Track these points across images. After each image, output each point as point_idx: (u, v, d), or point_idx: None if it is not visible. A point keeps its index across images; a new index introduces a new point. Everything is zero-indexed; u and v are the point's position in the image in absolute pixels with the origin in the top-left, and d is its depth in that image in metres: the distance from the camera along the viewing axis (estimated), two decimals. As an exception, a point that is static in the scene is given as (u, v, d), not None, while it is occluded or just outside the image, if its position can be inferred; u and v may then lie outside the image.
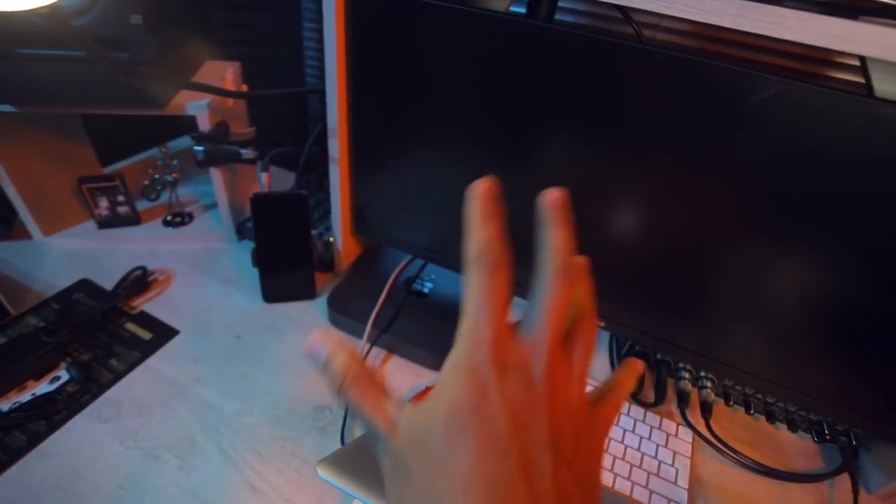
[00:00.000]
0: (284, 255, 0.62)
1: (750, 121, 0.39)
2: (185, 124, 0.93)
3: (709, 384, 0.58)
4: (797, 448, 0.56)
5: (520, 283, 0.22)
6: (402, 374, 0.57)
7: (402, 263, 0.66)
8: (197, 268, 0.68)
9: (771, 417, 0.57)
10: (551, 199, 0.21)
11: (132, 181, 0.73)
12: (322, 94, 0.55)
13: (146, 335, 0.58)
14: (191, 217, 0.76)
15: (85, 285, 0.63)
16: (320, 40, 0.90)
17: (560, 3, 0.66)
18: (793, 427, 0.57)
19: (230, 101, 0.66)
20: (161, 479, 0.46)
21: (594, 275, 0.23)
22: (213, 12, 0.72)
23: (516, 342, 0.20)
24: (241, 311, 0.63)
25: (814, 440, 0.56)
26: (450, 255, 0.60)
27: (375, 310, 0.59)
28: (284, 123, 0.95)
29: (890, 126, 0.35)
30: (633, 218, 0.48)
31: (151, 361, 0.56)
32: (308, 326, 0.62)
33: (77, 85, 0.55)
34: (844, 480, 0.52)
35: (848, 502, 0.49)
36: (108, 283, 0.63)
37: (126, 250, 0.69)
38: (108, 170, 0.79)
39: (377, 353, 0.59)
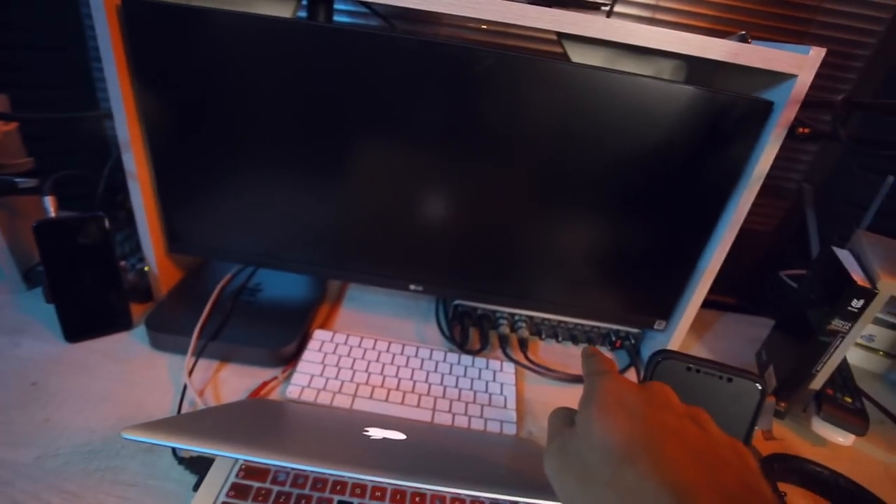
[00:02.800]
0: (87, 285, 0.57)
1: (484, 89, 0.49)
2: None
3: (523, 325, 0.67)
4: (598, 360, 0.68)
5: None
6: (238, 379, 0.56)
7: (229, 275, 0.65)
8: (-29, 325, 0.58)
9: (575, 340, 0.69)
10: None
11: None
12: (109, 116, 0.54)
13: None
14: (-41, 274, 0.65)
15: None
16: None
17: (339, 6, 0.74)
18: (592, 343, 0.69)
19: (-2, 134, 0.60)
20: (-70, 554, 0.38)
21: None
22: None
23: None
24: (36, 358, 0.55)
25: (610, 349, 0.69)
26: (278, 255, 0.61)
27: (201, 320, 0.57)
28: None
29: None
30: (432, 195, 0.56)
31: None
32: (125, 357, 0.57)
33: None
34: (632, 372, 0.64)
35: (634, 386, 0.62)
36: None
37: None
38: None
39: (207, 365, 0.57)
